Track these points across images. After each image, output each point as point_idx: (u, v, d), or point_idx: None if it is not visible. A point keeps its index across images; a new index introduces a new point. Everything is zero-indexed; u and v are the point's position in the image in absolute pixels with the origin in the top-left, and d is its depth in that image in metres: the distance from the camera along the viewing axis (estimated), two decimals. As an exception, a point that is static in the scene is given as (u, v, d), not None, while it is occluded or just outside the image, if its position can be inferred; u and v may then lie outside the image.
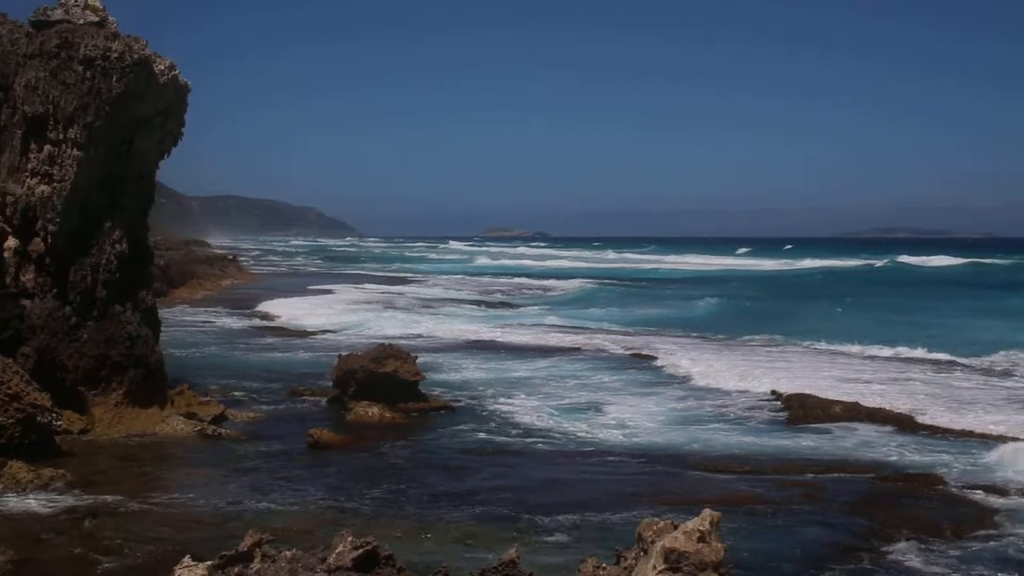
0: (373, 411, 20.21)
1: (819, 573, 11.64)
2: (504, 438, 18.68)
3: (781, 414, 21.09)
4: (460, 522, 13.18)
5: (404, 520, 13.20)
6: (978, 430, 19.13)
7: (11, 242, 17.83)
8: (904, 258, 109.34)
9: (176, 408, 18.87)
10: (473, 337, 34.74)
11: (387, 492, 14.73)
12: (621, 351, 31.42)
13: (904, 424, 19.73)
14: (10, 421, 15.22)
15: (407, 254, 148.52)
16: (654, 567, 6.97)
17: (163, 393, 19.13)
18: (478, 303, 51.69)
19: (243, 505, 13.80)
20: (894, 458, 17.17)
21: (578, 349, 31.88)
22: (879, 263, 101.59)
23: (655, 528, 7.31)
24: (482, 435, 18.91)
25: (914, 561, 11.89)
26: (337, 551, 7.62)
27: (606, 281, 73.10)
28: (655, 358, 29.45)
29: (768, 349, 32.75)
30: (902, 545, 12.41)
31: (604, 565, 7.70)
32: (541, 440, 18.57)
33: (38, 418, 15.58)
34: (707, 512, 7.19)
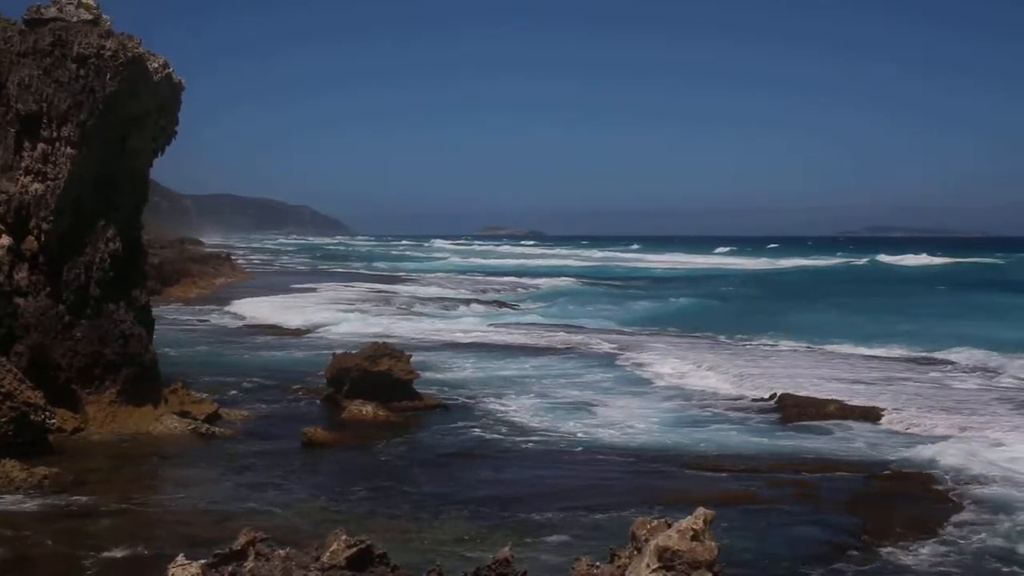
0: (367, 410, 20.21)
1: (812, 571, 11.67)
2: (498, 437, 18.69)
3: (774, 413, 21.12)
4: (454, 521, 13.19)
5: (398, 519, 13.20)
6: (972, 428, 19.17)
7: (4, 240, 17.81)
8: (883, 257, 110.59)
9: (170, 407, 18.85)
10: (438, 337, 34.51)
11: (381, 491, 14.73)
12: (611, 350, 31.46)
13: (895, 423, 19.79)
14: (3, 420, 15.20)
15: (392, 252, 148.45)
16: (648, 566, 6.98)
17: (157, 392, 19.11)
18: (440, 300, 51.35)
19: (237, 504, 13.79)
20: (888, 457, 17.20)
21: (570, 348, 31.89)
22: (858, 262, 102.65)
23: (649, 527, 7.32)
24: (476, 434, 18.92)
25: (906, 559, 11.92)
26: (331, 550, 7.62)
27: (585, 280, 72.68)
28: (645, 356, 29.49)
29: (745, 346, 33.37)
30: (895, 543, 12.44)
31: (598, 564, 7.71)
32: (535, 439, 18.58)
33: (31, 416, 15.56)
34: (700, 511, 7.20)
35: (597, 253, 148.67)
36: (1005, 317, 41.88)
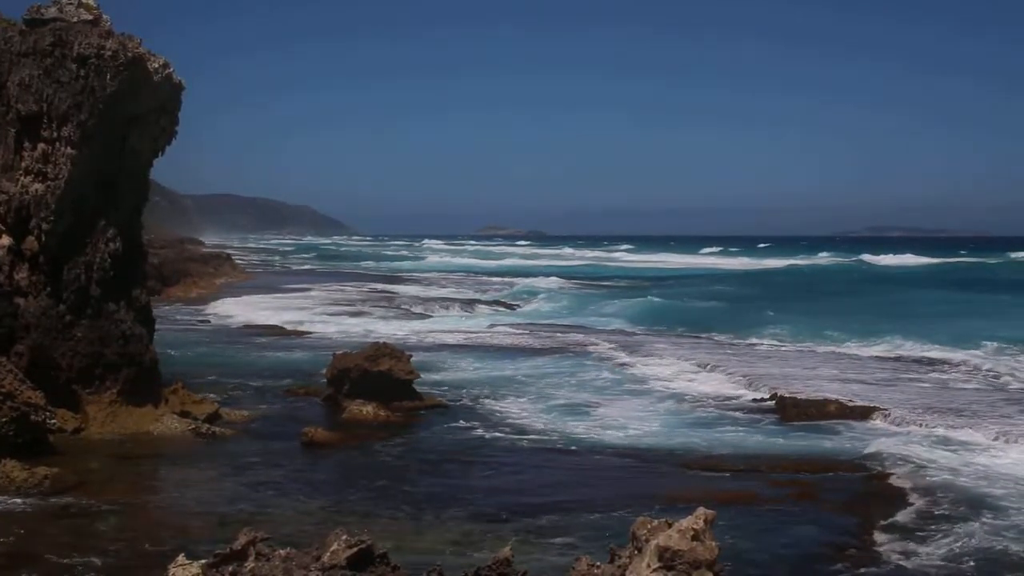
0: (367, 410, 20.22)
1: (812, 571, 11.69)
2: (498, 437, 18.69)
3: (774, 413, 21.12)
4: (454, 520, 13.19)
5: (398, 518, 13.21)
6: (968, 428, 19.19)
7: (5, 240, 17.81)
8: (867, 257, 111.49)
9: (170, 407, 18.85)
10: (432, 339, 34.47)
11: (381, 490, 14.74)
12: (609, 350, 31.49)
13: (894, 421, 19.80)
14: (4, 420, 15.21)
15: (383, 252, 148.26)
16: (648, 565, 6.99)
17: (157, 392, 19.12)
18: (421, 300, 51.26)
19: (237, 503, 13.80)
20: (888, 457, 17.19)
21: (567, 349, 31.91)
22: (844, 262, 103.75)
23: (649, 527, 7.32)
24: (476, 434, 18.92)
25: (905, 559, 11.92)
26: (331, 549, 7.63)
27: (565, 280, 71.82)
28: (643, 357, 29.55)
29: (740, 345, 33.67)
30: (894, 543, 12.44)
31: (598, 564, 7.71)
32: (535, 439, 18.59)
33: (32, 417, 15.57)
34: (701, 511, 7.21)
35: (588, 253, 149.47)
36: (991, 315, 41.68)
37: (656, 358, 29.39)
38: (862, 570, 11.64)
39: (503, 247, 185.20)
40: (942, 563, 11.82)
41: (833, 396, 22.28)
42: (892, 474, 15.98)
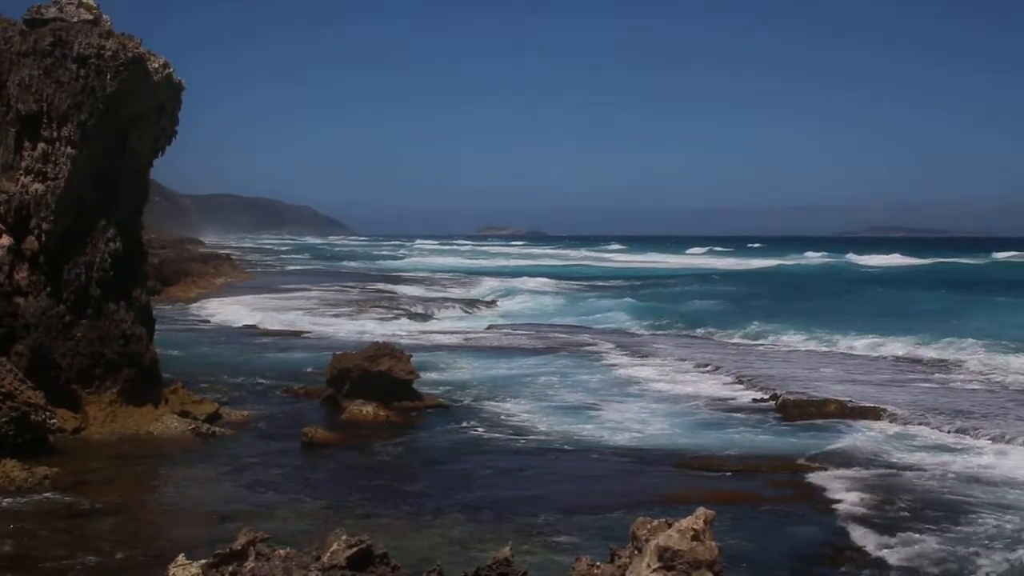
0: (367, 410, 20.22)
1: (813, 571, 11.69)
2: (498, 436, 18.69)
3: (774, 413, 21.13)
4: (454, 521, 13.19)
5: (398, 518, 13.21)
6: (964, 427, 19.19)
7: (5, 240, 17.81)
8: (852, 257, 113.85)
9: (170, 407, 18.86)
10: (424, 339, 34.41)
11: (381, 490, 14.74)
12: (604, 350, 31.52)
13: (897, 422, 19.78)
14: (3, 420, 15.21)
15: (372, 252, 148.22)
16: (648, 565, 6.99)
17: (157, 392, 19.12)
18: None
19: (237, 503, 13.80)
20: (888, 456, 17.20)
21: (565, 348, 31.91)
22: (830, 262, 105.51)
23: (649, 527, 7.33)
24: (476, 434, 18.92)
25: (906, 559, 11.92)
26: (331, 549, 7.63)
27: (547, 281, 71.00)
28: (641, 358, 29.57)
29: (733, 344, 33.98)
30: (894, 543, 12.44)
31: (598, 563, 7.72)
32: (534, 439, 18.59)
33: (32, 416, 15.57)
34: (701, 511, 7.21)
35: (577, 252, 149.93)
36: (977, 316, 41.76)
37: (653, 358, 29.43)
38: (863, 571, 11.64)
39: (496, 247, 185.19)
40: (943, 563, 11.81)
41: (833, 396, 22.31)
42: (892, 474, 15.98)
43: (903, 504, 14.28)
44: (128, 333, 18.82)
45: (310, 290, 57.01)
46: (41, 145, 18.03)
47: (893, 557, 12.00)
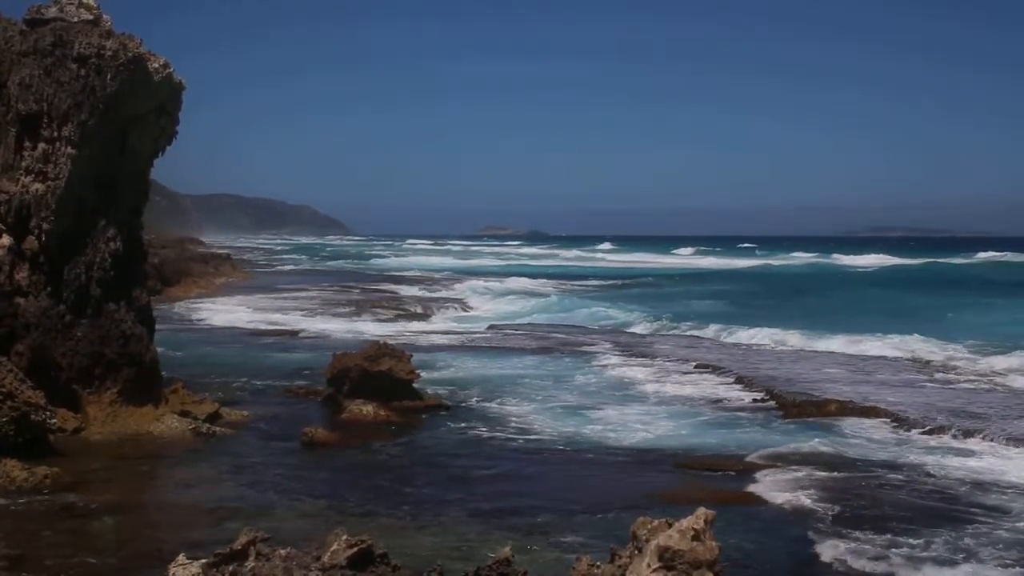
0: (367, 409, 20.23)
1: (813, 571, 11.68)
2: (499, 436, 18.69)
3: (773, 412, 21.13)
4: (454, 521, 13.19)
5: (399, 518, 13.21)
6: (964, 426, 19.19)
7: (5, 240, 17.82)
8: (837, 257, 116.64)
9: (170, 406, 18.86)
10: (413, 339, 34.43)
11: (381, 490, 14.74)
12: (601, 349, 31.52)
13: (899, 422, 19.79)
14: (4, 419, 15.21)
15: (364, 252, 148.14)
16: (648, 565, 7.00)
17: (157, 391, 19.13)
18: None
19: (237, 503, 13.80)
20: (888, 456, 17.21)
21: (563, 348, 31.92)
22: (813, 261, 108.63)
23: (649, 527, 7.33)
24: (477, 434, 18.92)
25: (906, 559, 11.92)
26: (332, 549, 7.63)
27: (533, 280, 71.00)
28: (638, 356, 29.57)
29: (731, 344, 33.58)
30: (895, 543, 12.44)
31: (598, 563, 7.72)
32: (534, 439, 18.59)
33: (32, 416, 15.57)
34: (701, 511, 7.22)
35: (568, 252, 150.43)
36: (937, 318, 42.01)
37: (651, 358, 29.41)
38: (864, 570, 11.64)
39: (491, 247, 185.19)
40: (944, 564, 11.82)
41: (832, 395, 22.33)
42: (892, 474, 15.99)
43: (903, 504, 14.29)
44: (128, 333, 18.82)
45: (310, 290, 57.14)
46: (41, 145, 18.03)
47: (893, 557, 12.01)
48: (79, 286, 18.35)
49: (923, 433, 18.95)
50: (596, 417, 20.56)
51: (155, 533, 12.44)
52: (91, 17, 18.71)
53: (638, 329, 39.36)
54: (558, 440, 18.51)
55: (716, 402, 22.45)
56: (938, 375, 26.66)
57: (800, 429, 19.49)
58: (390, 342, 23.05)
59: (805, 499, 14.53)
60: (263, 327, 36.98)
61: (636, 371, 26.89)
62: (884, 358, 30.06)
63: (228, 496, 14.22)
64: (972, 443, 18.12)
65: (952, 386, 24.80)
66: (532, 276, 75.60)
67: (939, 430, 19.01)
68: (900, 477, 15.78)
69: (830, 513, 13.86)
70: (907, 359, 29.69)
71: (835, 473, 16.04)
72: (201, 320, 39.22)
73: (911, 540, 12.56)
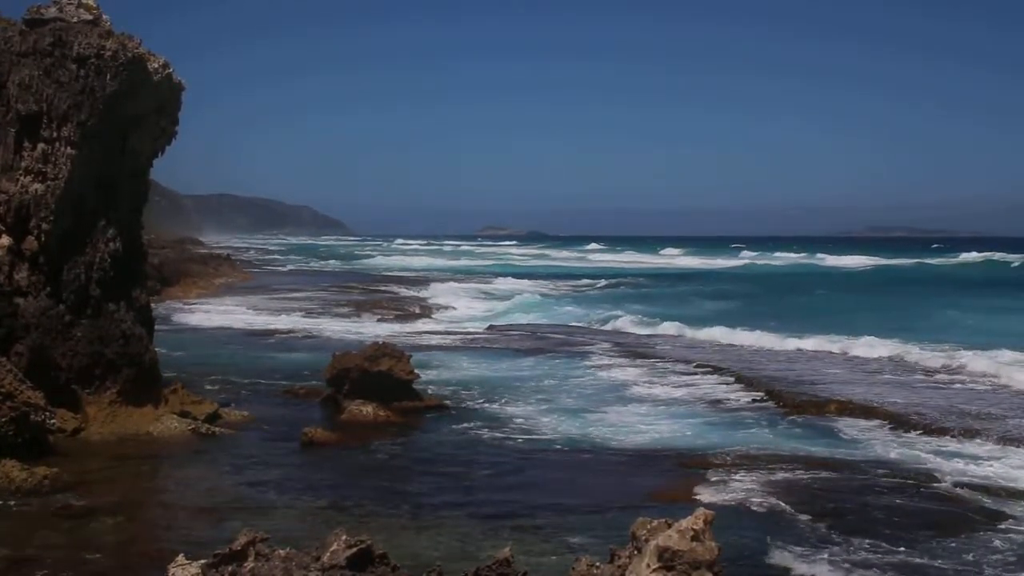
0: (367, 410, 20.23)
1: (813, 571, 11.67)
2: (499, 436, 18.69)
3: (773, 412, 21.13)
4: (454, 521, 13.19)
5: (398, 519, 13.21)
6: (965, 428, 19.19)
7: (5, 240, 17.81)
8: (821, 256, 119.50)
9: (170, 407, 18.86)
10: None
11: (381, 491, 14.74)
12: (598, 349, 31.54)
13: (899, 422, 19.79)
14: (3, 420, 15.20)
15: (355, 252, 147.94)
16: (648, 566, 6.99)
17: (157, 392, 19.12)
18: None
19: (237, 504, 13.79)
20: (888, 456, 17.21)
21: (560, 349, 31.93)
22: (804, 262, 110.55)
23: (649, 527, 7.32)
24: (476, 434, 18.92)
25: (906, 559, 11.92)
26: (331, 550, 7.63)
27: (523, 280, 70.82)
28: (638, 356, 29.57)
29: (730, 344, 33.97)
30: (895, 543, 12.44)
31: (598, 564, 7.72)
32: (534, 439, 18.59)
33: (31, 417, 15.56)
34: (700, 511, 7.21)
35: (559, 252, 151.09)
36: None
37: (649, 358, 29.43)
38: (864, 570, 11.64)
39: (485, 247, 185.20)
40: (946, 564, 11.81)
41: (832, 395, 22.36)
42: (891, 474, 15.98)
43: (903, 504, 14.29)
44: (128, 333, 18.82)
45: (310, 290, 57.14)
46: (41, 145, 18.02)
47: (894, 557, 12.01)
48: (79, 286, 18.34)
49: (923, 434, 18.95)
50: (596, 417, 20.55)
51: (155, 533, 12.44)
52: (91, 17, 18.70)
53: (632, 329, 39.35)
54: (558, 440, 18.51)
55: (716, 402, 22.45)
56: (938, 376, 26.67)
57: (798, 429, 19.50)
58: (390, 342, 23.05)
59: (806, 498, 14.54)
60: (263, 327, 37.00)
61: (636, 371, 26.90)
62: (879, 359, 29.90)
63: (228, 496, 14.21)
64: (972, 445, 18.11)
65: (952, 386, 24.80)
66: (517, 276, 75.64)
67: (940, 431, 19.01)
68: (900, 478, 15.78)
69: (831, 514, 13.87)
70: (890, 357, 29.64)
71: (834, 473, 16.04)
72: (201, 320, 39.20)
73: (913, 541, 12.57)
